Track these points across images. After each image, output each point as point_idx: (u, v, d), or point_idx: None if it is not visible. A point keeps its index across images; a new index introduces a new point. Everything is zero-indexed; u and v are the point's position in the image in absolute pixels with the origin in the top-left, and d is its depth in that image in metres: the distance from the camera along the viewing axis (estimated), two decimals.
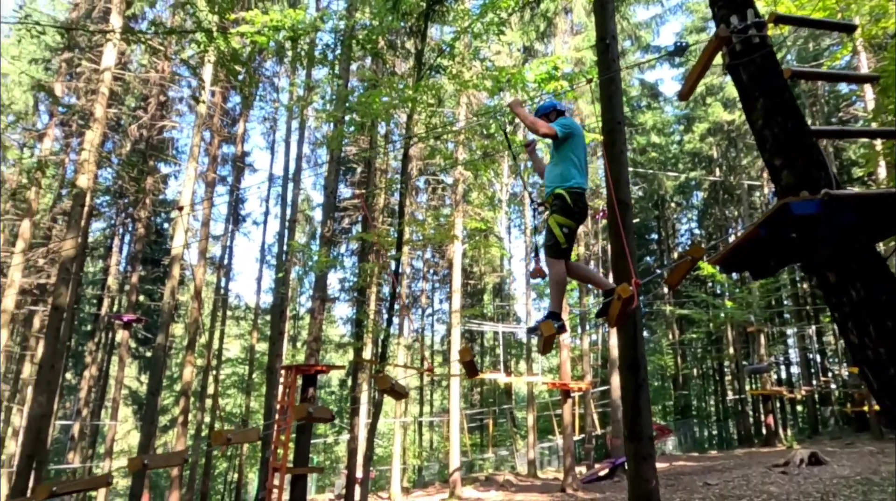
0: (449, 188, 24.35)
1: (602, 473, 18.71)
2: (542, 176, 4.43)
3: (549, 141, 4.45)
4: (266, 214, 30.57)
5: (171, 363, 28.14)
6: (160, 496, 27.54)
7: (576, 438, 22.93)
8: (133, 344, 25.98)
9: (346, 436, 23.33)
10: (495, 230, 28.75)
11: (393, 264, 13.23)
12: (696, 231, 35.18)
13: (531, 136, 4.65)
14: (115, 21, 13.33)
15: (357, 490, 22.29)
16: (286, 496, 12.84)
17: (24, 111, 26.34)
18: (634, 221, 23.64)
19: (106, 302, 26.07)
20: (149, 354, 29.38)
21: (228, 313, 28.25)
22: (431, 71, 13.67)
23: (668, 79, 73.45)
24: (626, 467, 5.86)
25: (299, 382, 12.77)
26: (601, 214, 20.61)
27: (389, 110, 12.73)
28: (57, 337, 10.37)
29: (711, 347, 32.42)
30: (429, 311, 33.83)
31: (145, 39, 12.61)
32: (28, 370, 22.06)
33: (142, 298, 26.88)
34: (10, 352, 18.57)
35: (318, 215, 31.47)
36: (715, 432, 33.27)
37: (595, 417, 23.77)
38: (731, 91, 24.63)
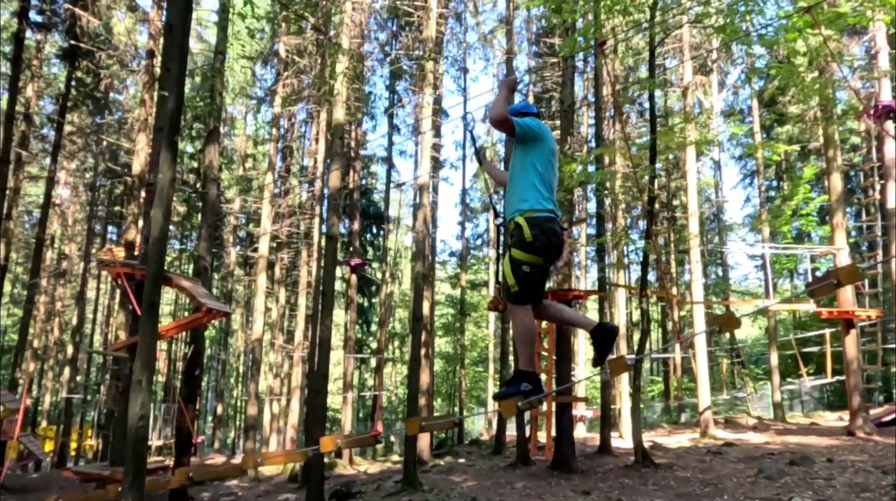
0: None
1: (888, 418, 15.91)
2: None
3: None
4: (463, 158, 30.55)
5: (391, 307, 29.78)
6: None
7: (829, 379, 20.07)
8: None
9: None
10: (706, 153, 25.82)
11: (647, 178, 11.86)
12: None
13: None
14: None
15: (580, 426, 22.00)
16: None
17: (244, 83, 28.92)
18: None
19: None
20: (361, 300, 31.66)
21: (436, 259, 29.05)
22: None
23: None
24: None
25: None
26: (873, 110, 16.96)
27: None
28: (334, 262, 10.74)
29: None
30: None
31: None
32: (275, 312, 24.62)
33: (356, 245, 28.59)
34: (267, 292, 20.61)
35: None
36: None
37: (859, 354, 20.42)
38: None
